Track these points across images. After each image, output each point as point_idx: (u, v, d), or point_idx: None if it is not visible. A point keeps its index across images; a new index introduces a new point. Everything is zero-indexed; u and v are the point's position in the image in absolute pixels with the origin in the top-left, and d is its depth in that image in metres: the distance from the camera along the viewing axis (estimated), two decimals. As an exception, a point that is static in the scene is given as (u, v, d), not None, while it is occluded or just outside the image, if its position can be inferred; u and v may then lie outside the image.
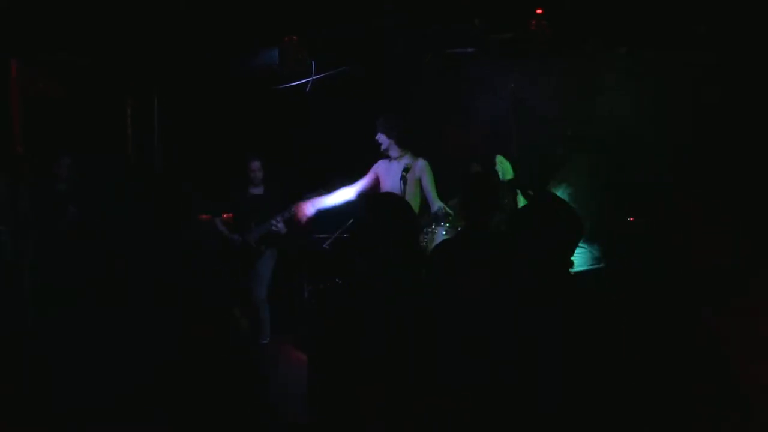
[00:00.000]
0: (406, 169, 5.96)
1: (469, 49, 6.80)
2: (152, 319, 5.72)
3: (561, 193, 5.84)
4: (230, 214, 6.82)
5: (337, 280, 5.99)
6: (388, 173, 6.31)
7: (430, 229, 6.09)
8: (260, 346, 6.73)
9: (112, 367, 5.07)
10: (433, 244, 5.81)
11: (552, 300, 3.32)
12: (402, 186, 5.90)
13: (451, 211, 5.96)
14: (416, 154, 6.25)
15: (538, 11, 6.19)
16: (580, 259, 5.59)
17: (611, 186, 5.92)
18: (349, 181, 6.48)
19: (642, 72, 6.53)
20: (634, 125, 6.47)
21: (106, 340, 5.37)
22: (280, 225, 6.61)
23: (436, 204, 6.08)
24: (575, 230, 3.75)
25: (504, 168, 5.65)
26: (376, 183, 6.39)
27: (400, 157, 6.23)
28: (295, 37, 6.72)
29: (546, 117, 6.84)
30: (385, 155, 6.33)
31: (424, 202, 6.20)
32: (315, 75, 7.04)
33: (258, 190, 6.90)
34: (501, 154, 6.01)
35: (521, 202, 5.85)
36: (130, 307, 5.86)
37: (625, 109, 6.50)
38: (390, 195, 5.28)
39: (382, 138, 6.25)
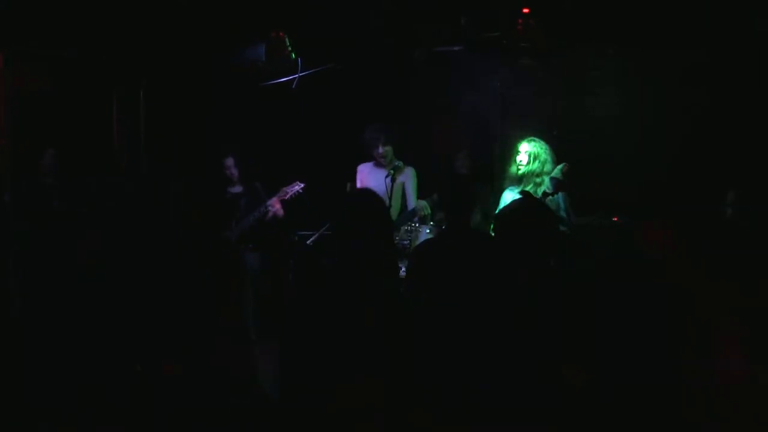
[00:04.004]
0: (395, 169, 5.97)
1: (456, 47, 6.81)
2: (142, 316, 5.69)
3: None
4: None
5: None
6: (371, 175, 6.30)
7: (410, 227, 6.11)
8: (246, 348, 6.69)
9: (98, 364, 5.03)
10: (417, 243, 5.84)
11: (546, 296, 3.35)
12: (390, 184, 5.90)
13: (429, 210, 5.98)
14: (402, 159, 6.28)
15: (525, 10, 6.20)
16: None
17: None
18: (333, 175, 6.50)
19: (631, 71, 6.57)
20: (622, 124, 6.51)
21: (94, 337, 5.34)
22: (276, 208, 6.51)
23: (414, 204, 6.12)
24: (555, 229, 3.80)
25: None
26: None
27: (390, 163, 6.23)
28: (281, 33, 6.70)
29: (533, 115, 6.87)
30: (372, 160, 6.32)
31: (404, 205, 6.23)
32: (302, 71, 7.03)
33: (237, 188, 6.84)
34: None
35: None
36: (118, 303, 5.83)
37: (614, 108, 6.54)
38: (367, 191, 5.31)
39: (386, 150, 6.22)
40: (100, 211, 6.47)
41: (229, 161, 6.76)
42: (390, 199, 5.85)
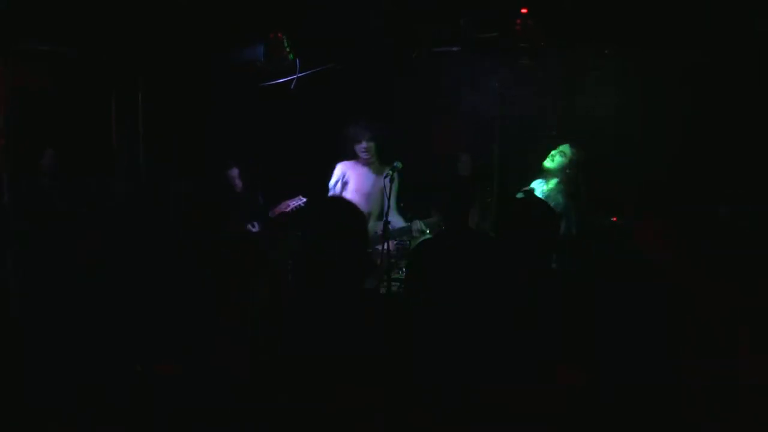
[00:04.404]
0: (394, 169, 5.97)
1: (455, 48, 6.80)
2: (142, 316, 5.67)
3: (545, 188, 5.89)
4: None
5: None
6: (356, 172, 6.33)
7: (406, 238, 6.17)
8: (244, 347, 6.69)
9: (98, 364, 5.03)
10: (416, 243, 5.84)
11: (545, 296, 3.35)
12: (389, 185, 5.90)
13: (426, 232, 6.03)
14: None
15: (523, 11, 6.19)
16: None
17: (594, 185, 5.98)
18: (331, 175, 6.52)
19: (631, 71, 6.57)
20: (621, 124, 6.51)
21: (94, 336, 5.33)
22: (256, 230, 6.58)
23: (396, 216, 6.13)
24: (556, 229, 3.81)
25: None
26: (346, 185, 6.40)
27: (374, 159, 6.27)
28: (280, 34, 6.69)
29: (531, 115, 6.88)
30: (357, 158, 6.35)
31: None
32: (301, 72, 7.01)
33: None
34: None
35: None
36: (116, 303, 5.81)
37: (614, 108, 6.54)
38: (342, 199, 5.35)
39: (370, 145, 6.27)
40: (100, 211, 6.47)
41: (234, 172, 6.83)
42: (389, 199, 5.85)
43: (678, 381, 3.50)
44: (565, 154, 5.91)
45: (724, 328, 3.85)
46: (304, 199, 6.52)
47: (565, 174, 5.87)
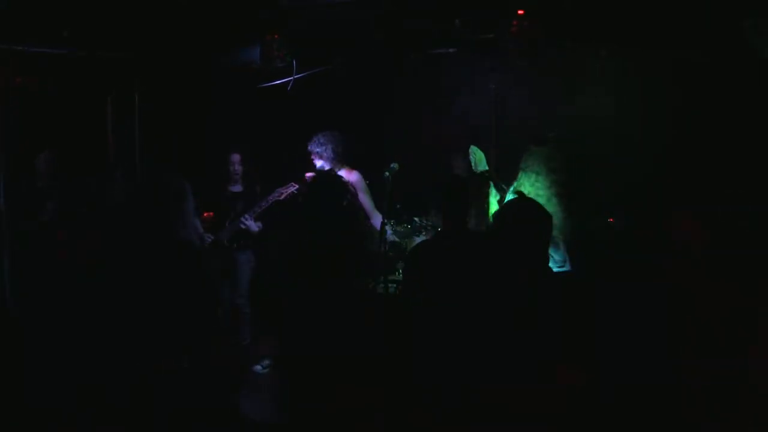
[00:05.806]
0: (391, 171, 5.95)
1: (451, 50, 6.81)
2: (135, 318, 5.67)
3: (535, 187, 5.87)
4: (210, 213, 6.75)
5: None
6: None
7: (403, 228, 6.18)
8: (242, 347, 6.71)
9: (98, 364, 5.03)
10: (413, 245, 5.84)
11: (546, 296, 3.35)
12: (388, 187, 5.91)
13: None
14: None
15: (520, 12, 6.19)
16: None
17: (591, 185, 5.95)
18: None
19: (631, 71, 6.57)
20: (621, 124, 6.51)
21: (94, 336, 5.33)
22: (250, 222, 6.56)
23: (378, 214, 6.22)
24: (550, 229, 3.82)
25: (477, 158, 5.70)
26: None
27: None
28: (276, 35, 6.69)
29: (528, 116, 6.88)
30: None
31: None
32: (299, 73, 7.02)
33: (237, 188, 6.87)
34: (486, 153, 6.05)
35: (492, 195, 5.92)
36: (112, 304, 5.81)
37: (614, 108, 6.54)
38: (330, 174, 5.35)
39: None
40: (99, 211, 6.46)
41: (235, 157, 6.82)
42: (387, 200, 5.85)
43: (678, 381, 3.51)
44: (525, 160, 5.84)
45: (724, 328, 3.86)
46: (296, 186, 6.51)
47: (535, 178, 5.81)
